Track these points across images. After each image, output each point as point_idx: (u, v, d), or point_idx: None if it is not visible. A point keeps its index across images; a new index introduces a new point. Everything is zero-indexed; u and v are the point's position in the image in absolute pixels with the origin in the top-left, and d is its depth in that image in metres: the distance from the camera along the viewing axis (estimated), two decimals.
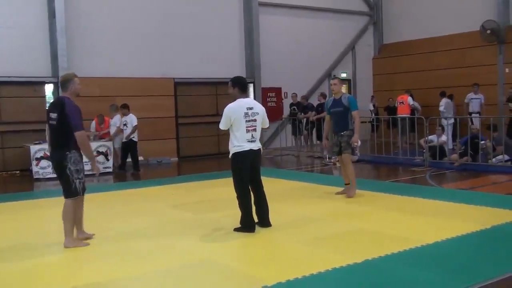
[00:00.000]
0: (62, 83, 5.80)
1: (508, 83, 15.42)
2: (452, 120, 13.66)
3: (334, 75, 18.70)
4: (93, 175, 12.00)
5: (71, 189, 5.67)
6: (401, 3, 19.01)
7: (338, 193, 8.34)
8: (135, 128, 12.52)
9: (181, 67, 14.94)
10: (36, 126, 13.02)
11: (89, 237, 6.00)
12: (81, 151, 5.68)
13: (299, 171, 12.04)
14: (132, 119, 12.54)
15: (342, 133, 8.09)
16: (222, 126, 6.14)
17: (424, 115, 14.46)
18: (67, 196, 5.71)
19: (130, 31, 14.18)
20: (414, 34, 18.21)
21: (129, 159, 12.77)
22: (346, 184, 8.34)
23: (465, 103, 14.95)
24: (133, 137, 12.53)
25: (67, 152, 5.59)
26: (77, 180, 5.68)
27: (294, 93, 15.95)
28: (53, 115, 5.65)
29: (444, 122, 13.24)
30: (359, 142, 12.73)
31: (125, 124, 12.62)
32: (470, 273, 4.50)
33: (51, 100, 5.90)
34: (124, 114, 12.68)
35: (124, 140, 12.58)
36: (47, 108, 5.78)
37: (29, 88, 12.99)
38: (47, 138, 6.19)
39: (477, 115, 14.10)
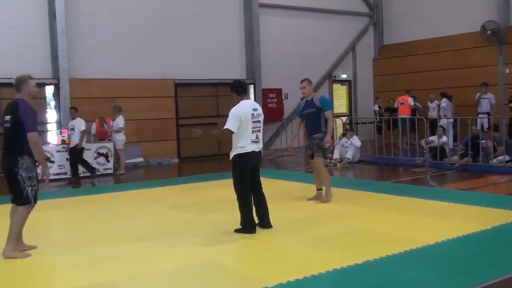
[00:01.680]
0: (16, 85, 5.52)
1: (509, 84, 15.42)
2: (451, 120, 13.63)
3: (334, 76, 18.74)
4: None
5: (23, 196, 5.33)
6: (401, 3, 19.01)
7: (310, 199, 7.99)
8: (83, 134, 11.65)
9: (182, 68, 14.94)
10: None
11: (29, 248, 5.59)
12: (32, 153, 5.37)
13: (299, 172, 12.03)
14: (79, 124, 11.64)
15: (314, 136, 7.74)
16: (231, 126, 5.94)
17: (425, 116, 14.47)
18: (19, 204, 5.37)
19: (130, 32, 14.18)
20: (415, 35, 18.22)
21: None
22: (317, 190, 8.02)
23: (476, 99, 14.63)
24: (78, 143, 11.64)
25: (19, 158, 5.30)
26: (29, 188, 5.36)
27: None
28: (7, 118, 5.40)
29: (444, 121, 13.21)
30: (358, 145, 12.89)
31: (72, 129, 11.75)
32: (471, 273, 4.49)
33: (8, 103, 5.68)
34: (72, 118, 11.89)
35: (71, 146, 11.73)
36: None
37: None
38: None
39: (485, 115, 13.82)
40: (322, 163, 7.90)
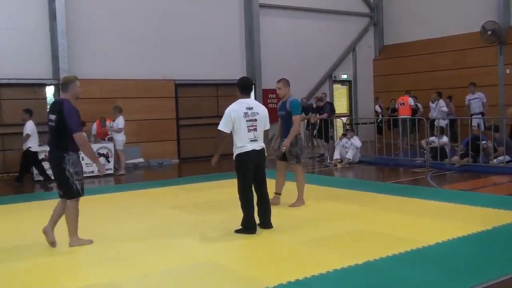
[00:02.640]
0: (62, 85, 5.83)
1: (509, 84, 15.41)
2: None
3: (335, 76, 18.74)
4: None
5: (73, 190, 5.69)
6: (402, 4, 19.01)
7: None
8: (26, 137, 10.97)
9: (182, 68, 14.94)
10: (37, 128, 13.02)
11: (53, 241, 5.81)
12: (82, 152, 5.71)
13: None
14: (26, 127, 11.03)
15: (284, 139, 7.46)
16: (222, 126, 6.03)
17: (425, 116, 14.47)
18: (69, 198, 5.73)
19: (131, 33, 14.18)
20: (415, 35, 18.21)
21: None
22: (275, 193, 7.65)
23: (466, 105, 14.77)
24: (30, 147, 11.04)
25: (65, 154, 5.60)
26: (77, 182, 5.70)
27: (323, 93, 15.89)
28: (52, 117, 5.68)
29: (442, 122, 13.18)
30: (359, 146, 12.87)
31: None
32: (471, 274, 4.50)
33: (52, 102, 5.93)
34: (23, 120, 11.24)
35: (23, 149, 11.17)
36: (48, 110, 5.78)
37: (30, 90, 12.99)
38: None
39: (479, 115, 13.77)
40: (299, 169, 7.62)
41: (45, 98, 13.41)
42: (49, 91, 13.46)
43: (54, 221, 5.86)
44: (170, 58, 14.81)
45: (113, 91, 13.81)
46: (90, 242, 5.88)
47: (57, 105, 5.68)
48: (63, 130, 5.58)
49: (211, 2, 15.62)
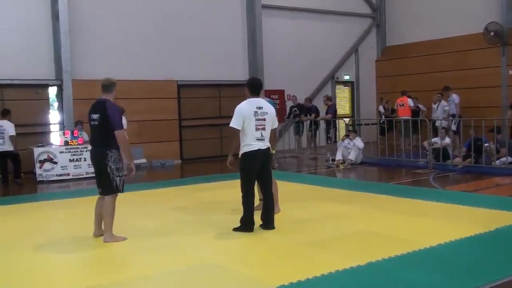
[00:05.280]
0: (106, 86, 6.14)
1: (511, 85, 15.37)
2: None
3: (337, 77, 18.74)
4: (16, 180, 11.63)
5: (112, 186, 5.87)
6: (404, 5, 18.98)
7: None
8: (14, 140, 11.06)
9: (184, 69, 14.94)
10: (40, 129, 13.05)
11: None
12: (121, 149, 5.88)
13: (302, 173, 12.02)
14: (8, 128, 11.02)
15: None
16: (234, 124, 6.09)
17: (428, 117, 14.44)
18: (107, 193, 5.90)
19: (134, 34, 14.19)
20: (417, 36, 18.18)
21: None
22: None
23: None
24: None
25: (108, 151, 5.80)
26: (118, 178, 5.89)
27: (293, 95, 16.01)
28: (95, 116, 5.91)
29: (444, 123, 13.14)
30: (361, 147, 12.87)
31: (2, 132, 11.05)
32: (474, 275, 4.49)
33: (93, 102, 6.23)
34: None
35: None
36: (89, 110, 6.09)
37: (32, 91, 13.01)
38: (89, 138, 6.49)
39: (451, 117, 13.66)
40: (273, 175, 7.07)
41: (48, 99, 13.42)
42: (52, 91, 13.46)
43: (99, 224, 6.08)
44: (173, 59, 14.81)
45: (115, 92, 13.79)
46: (124, 239, 5.96)
47: (101, 105, 5.92)
48: (106, 128, 5.80)
49: (213, 3, 15.62)
